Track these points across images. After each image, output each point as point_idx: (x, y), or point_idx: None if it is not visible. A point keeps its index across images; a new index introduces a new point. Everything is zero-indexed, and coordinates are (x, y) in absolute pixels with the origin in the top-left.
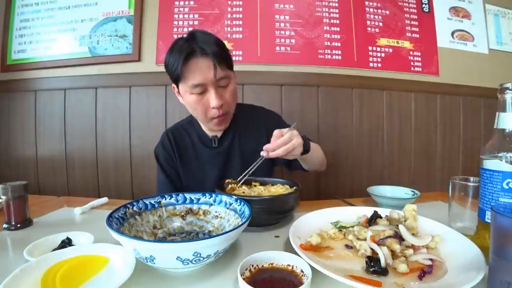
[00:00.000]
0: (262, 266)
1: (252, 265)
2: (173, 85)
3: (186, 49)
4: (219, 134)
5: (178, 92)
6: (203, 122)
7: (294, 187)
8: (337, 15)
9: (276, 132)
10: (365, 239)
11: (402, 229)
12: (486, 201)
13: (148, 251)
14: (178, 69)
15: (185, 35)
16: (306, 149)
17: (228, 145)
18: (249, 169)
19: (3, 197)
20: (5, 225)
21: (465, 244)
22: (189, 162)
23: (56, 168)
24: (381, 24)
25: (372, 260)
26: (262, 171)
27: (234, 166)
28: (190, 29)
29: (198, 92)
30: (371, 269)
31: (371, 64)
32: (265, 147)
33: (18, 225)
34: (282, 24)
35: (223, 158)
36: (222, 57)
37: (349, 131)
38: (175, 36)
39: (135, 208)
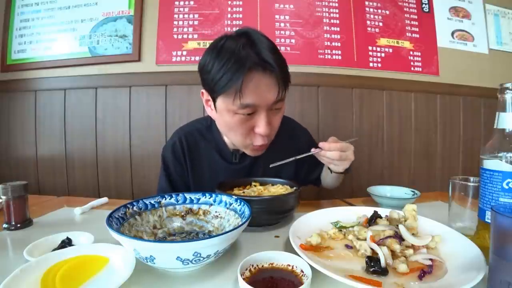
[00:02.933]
0: (262, 266)
1: (252, 265)
2: (203, 91)
3: (246, 60)
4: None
5: (209, 101)
6: (238, 145)
7: (294, 187)
8: (337, 15)
9: (332, 138)
10: (365, 239)
11: (402, 229)
12: (486, 201)
13: (148, 251)
14: (234, 84)
15: (233, 34)
16: (349, 170)
17: (250, 162)
18: (291, 158)
19: (3, 197)
20: (5, 225)
21: (465, 244)
22: (201, 174)
23: (56, 168)
24: (381, 24)
25: (372, 260)
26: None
27: None
28: (190, 29)
29: (246, 113)
30: (371, 269)
31: (371, 64)
32: (321, 144)
33: (18, 225)
34: (282, 24)
35: (242, 176)
36: (286, 75)
37: (349, 131)
38: (175, 36)
39: (135, 208)
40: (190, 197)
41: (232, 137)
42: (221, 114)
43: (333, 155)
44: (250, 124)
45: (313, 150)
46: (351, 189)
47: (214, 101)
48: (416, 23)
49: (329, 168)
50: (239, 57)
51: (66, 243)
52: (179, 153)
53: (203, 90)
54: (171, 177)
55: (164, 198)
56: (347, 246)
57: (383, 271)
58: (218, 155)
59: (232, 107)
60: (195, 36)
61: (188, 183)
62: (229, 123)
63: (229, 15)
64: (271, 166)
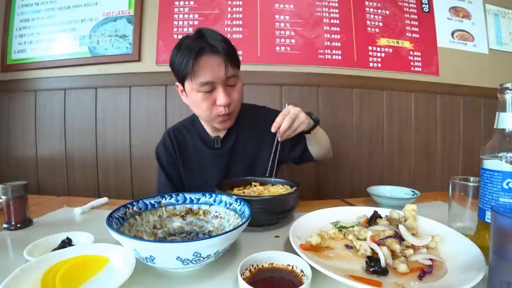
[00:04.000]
0: (262, 266)
1: (252, 265)
2: (177, 83)
3: (196, 47)
4: (221, 135)
5: (183, 90)
6: (207, 120)
7: (294, 187)
8: (337, 15)
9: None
10: (365, 239)
11: (402, 229)
12: (486, 201)
13: (148, 251)
14: (188, 67)
15: (191, 34)
16: (314, 119)
17: (231, 146)
18: (271, 157)
19: (3, 197)
20: (5, 225)
21: (465, 244)
22: (191, 163)
23: (56, 168)
24: (381, 24)
25: (372, 260)
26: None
27: (237, 167)
28: (190, 29)
29: (206, 90)
30: (371, 269)
31: (371, 64)
32: (273, 128)
33: (18, 225)
34: (282, 24)
35: (226, 159)
36: (232, 55)
37: (349, 131)
38: (175, 36)
39: (135, 208)
40: (190, 197)
41: (201, 114)
42: (190, 96)
43: (285, 124)
44: (212, 99)
45: (273, 129)
46: (351, 189)
47: (184, 87)
48: (416, 23)
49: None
50: (191, 46)
51: (66, 243)
52: (169, 148)
53: (177, 83)
54: (166, 170)
55: (164, 198)
56: (347, 246)
57: (383, 271)
58: (202, 143)
59: (194, 86)
60: None
61: (181, 173)
62: (196, 101)
63: (229, 15)
64: (267, 175)
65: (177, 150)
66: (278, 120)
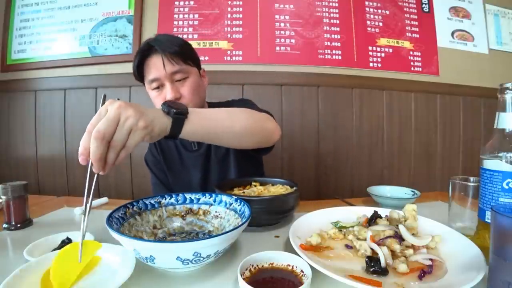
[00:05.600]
0: (262, 266)
1: (252, 265)
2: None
3: (141, 50)
4: None
5: None
6: None
7: (294, 187)
8: (337, 15)
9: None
10: (365, 239)
11: (402, 229)
12: (486, 201)
13: (148, 251)
14: (135, 69)
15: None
16: (175, 112)
17: (206, 147)
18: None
19: (3, 197)
20: (5, 225)
21: (465, 244)
22: (174, 165)
23: (56, 168)
24: (381, 24)
25: (372, 260)
26: (245, 172)
27: (214, 168)
28: (190, 29)
29: (156, 87)
30: (371, 269)
31: (371, 64)
32: (80, 153)
33: (18, 225)
34: (282, 24)
35: (204, 161)
36: (175, 53)
37: (349, 131)
38: None
39: (135, 208)
40: (190, 197)
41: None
42: (149, 94)
43: (96, 153)
44: (163, 96)
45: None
46: (351, 189)
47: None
48: (416, 23)
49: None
50: (140, 50)
51: (66, 243)
52: (154, 152)
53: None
54: (156, 173)
55: (164, 198)
56: (347, 246)
57: (383, 271)
58: (181, 146)
59: (147, 85)
60: (195, 36)
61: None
62: (152, 98)
63: (229, 15)
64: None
65: (161, 154)
66: (82, 142)
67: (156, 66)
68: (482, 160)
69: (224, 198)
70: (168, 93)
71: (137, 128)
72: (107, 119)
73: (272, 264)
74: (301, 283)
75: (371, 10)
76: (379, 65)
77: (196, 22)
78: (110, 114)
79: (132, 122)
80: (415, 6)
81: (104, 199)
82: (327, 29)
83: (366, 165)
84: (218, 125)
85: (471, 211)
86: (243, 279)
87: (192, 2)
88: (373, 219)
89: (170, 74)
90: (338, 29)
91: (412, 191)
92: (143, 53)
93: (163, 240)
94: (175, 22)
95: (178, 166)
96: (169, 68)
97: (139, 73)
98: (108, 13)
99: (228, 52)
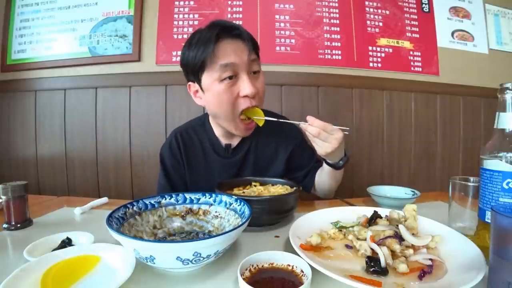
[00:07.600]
0: (262, 266)
1: (252, 265)
2: (190, 83)
3: (212, 33)
4: (234, 143)
5: (197, 91)
6: (229, 119)
7: (294, 187)
8: (337, 15)
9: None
10: (365, 239)
11: (402, 229)
12: (486, 201)
13: (148, 251)
14: (207, 52)
15: (202, 28)
16: (346, 155)
17: (242, 156)
18: (282, 120)
19: (3, 197)
20: (5, 225)
21: (465, 244)
22: (197, 169)
23: (56, 168)
24: (381, 24)
25: (372, 260)
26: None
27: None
28: (190, 29)
29: (228, 76)
30: (371, 269)
31: (371, 64)
32: (308, 117)
33: (18, 225)
34: (282, 24)
35: (234, 170)
36: (255, 44)
37: (349, 131)
38: (175, 36)
39: (135, 208)
40: (190, 197)
41: (222, 111)
42: (209, 91)
43: (313, 130)
44: (235, 90)
45: (302, 124)
46: (351, 189)
47: (200, 83)
48: (416, 23)
49: (324, 160)
50: (206, 35)
51: (66, 243)
52: (175, 149)
53: (190, 83)
54: (169, 174)
55: (164, 198)
56: (347, 246)
57: (383, 271)
58: (212, 149)
59: (215, 74)
60: None
61: (184, 178)
62: (217, 94)
63: (229, 15)
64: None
65: (183, 154)
66: (313, 122)
67: (237, 51)
68: (482, 160)
69: (224, 198)
70: (247, 87)
71: (330, 143)
72: (326, 135)
73: (272, 264)
74: (301, 283)
75: (371, 10)
76: (379, 65)
77: (196, 22)
78: (327, 136)
79: (331, 142)
80: (415, 6)
81: (104, 199)
82: (327, 29)
83: (366, 165)
84: (338, 177)
85: (471, 211)
86: (243, 279)
87: (192, 2)
88: (373, 219)
89: (249, 62)
90: (338, 29)
91: (412, 191)
92: (219, 33)
93: (163, 240)
94: (175, 22)
95: (201, 170)
96: (252, 56)
97: (201, 58)
98: (108, 13)
99: None
